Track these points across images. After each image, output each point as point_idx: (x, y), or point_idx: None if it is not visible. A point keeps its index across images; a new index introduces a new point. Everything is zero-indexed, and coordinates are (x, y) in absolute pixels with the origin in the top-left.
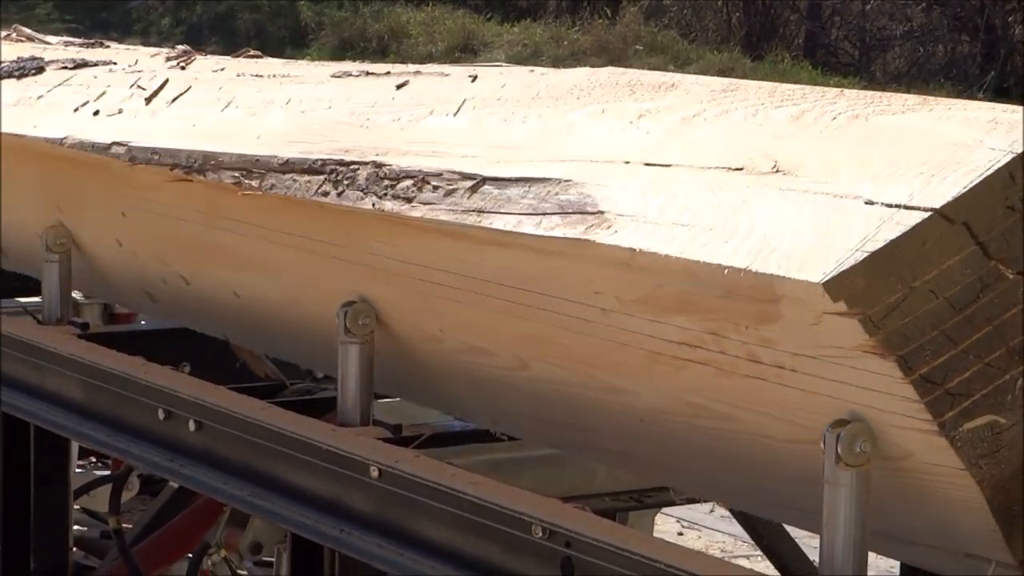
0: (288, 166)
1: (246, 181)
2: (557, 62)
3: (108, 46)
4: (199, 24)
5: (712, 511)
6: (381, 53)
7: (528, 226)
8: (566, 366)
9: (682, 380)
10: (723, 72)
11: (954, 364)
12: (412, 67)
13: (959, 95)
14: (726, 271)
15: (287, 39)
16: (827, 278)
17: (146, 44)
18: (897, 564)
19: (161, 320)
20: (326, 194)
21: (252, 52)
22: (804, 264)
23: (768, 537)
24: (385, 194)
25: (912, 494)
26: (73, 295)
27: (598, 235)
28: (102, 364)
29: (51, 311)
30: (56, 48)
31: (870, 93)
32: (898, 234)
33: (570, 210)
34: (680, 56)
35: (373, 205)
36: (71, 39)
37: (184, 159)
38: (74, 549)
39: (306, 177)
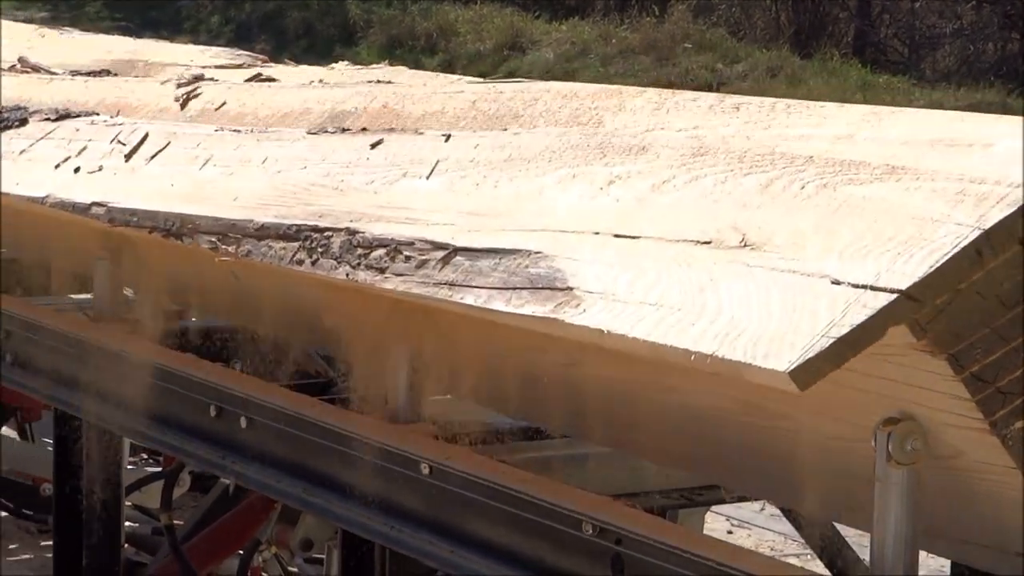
0: (263, 231)
1: (222, 246)
2: (605, 60)
3: (116, 74)
4: (248, 22)
5: (762, 510)
6: (429, 51)
7: (499, 302)
8: (616, 363)
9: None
10: (772, 70)
11: (1005, 362)
12: (388, 116)
13: (1009, 93)
14: (693, 357)
15: (336, 37)
16: (792, 367)
17: (195, 43)
18: (948, 563)
19: (212, 317)
20: (300, 262)
21: (265, 76)
22: (770, 351)
23: (819, 535)
24: (359, 264)
25: (963, 493)
26: (125, 292)
27: (567, 314)
28: (154, 361)
29: (103, 308)
30: (60, 80)
31: (840, 160)
32: (864, 318)
33: (540, 285)
34: (728, 54)
35: (347, 275)
36: (78, 69)
37: (162, 222)
38: (126, 546)
39: (281, 244)
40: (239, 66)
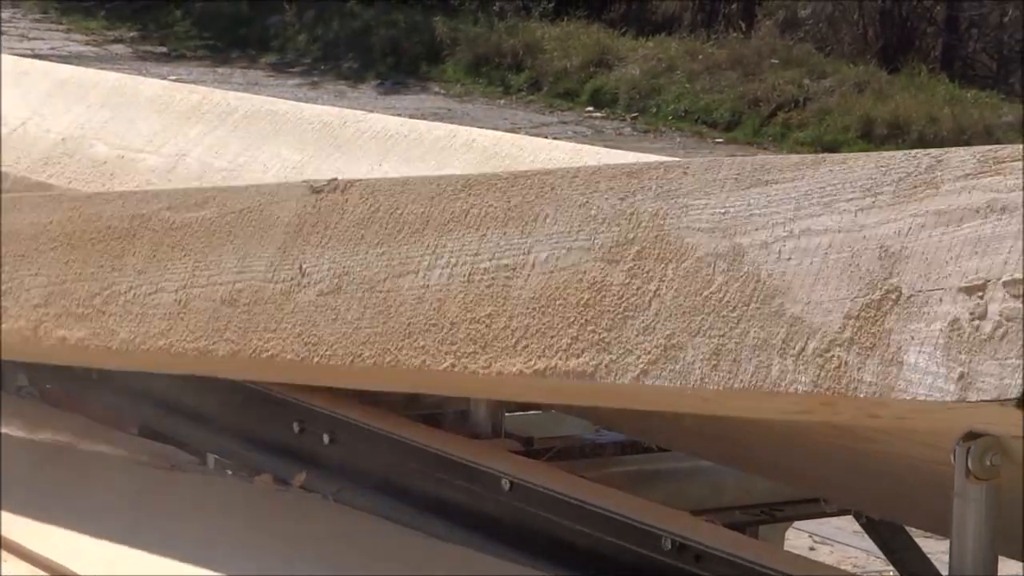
0: None
1: None
2: (692, 76)
3: None
4: (335, 41)
5: (853, 520)
6: (516, 68)
7: None
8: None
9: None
10: (859, 85)
11: None
12: None
13: None
14: None
15: (423, 55)
16: None
17: (282, 61)
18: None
19: None
20: None
21: None
22: None
23: (899, 551)
24: None
25: None
26: None
27: None
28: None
29: None
30: None
31: None
32: None
33: None
34: (815, 69)
35: None
36: None
37: None
38: None
39: None
40: None
